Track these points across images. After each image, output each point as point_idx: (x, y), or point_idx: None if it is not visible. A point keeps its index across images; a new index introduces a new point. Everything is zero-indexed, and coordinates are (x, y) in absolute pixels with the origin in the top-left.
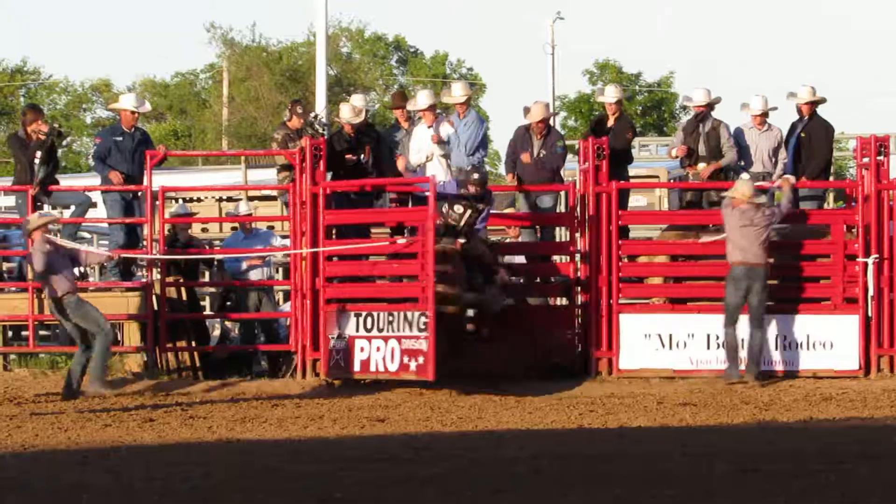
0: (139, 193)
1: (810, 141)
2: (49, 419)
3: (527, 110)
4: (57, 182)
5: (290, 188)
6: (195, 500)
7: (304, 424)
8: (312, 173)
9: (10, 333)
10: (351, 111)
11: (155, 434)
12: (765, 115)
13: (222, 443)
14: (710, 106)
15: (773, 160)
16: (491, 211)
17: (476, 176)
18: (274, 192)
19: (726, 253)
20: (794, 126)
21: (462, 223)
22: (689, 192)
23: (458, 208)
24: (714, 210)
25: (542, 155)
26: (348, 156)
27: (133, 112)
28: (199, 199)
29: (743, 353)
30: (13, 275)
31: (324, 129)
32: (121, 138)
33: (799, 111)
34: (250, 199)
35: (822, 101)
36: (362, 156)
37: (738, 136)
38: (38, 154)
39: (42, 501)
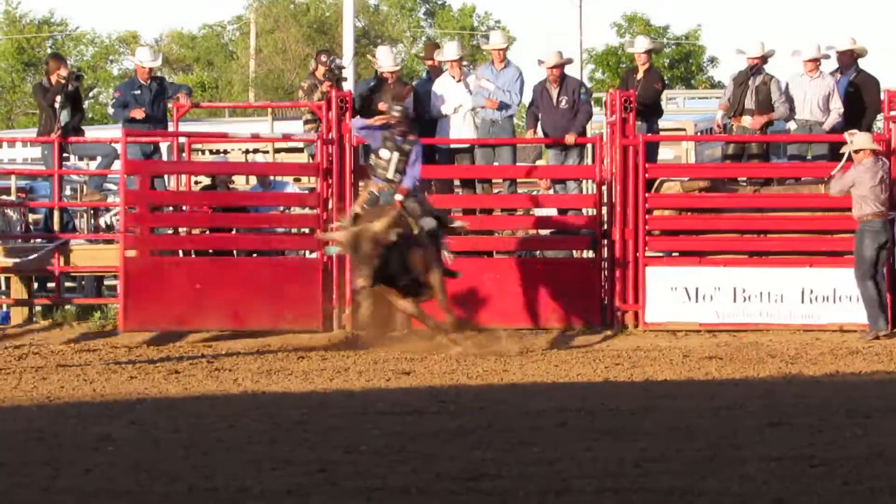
0: (159, 146)
1: (860, 94)
2: (75, 371)
3: (541, 62)
4: (82, 132)
5: (316, 139)
6: (220, 452)
7: (330, 377)
8: (338, 124)
9: (36, 285)
10: (392, 60)
11: (180, 386)
12: (817, 61)
13: (248, 395)
14: (764, 59)
15: (824, 109)
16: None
17: (397, 108)
18: (300, 144)
19: (855, 208)
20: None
21: (392, 170)
22: (731, 145)
23: (384, 153)
24: (752, 164)
25: (562, 104)
26: (382, 104)
27: (145, 66)
28: (225, 151)
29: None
30: (39, 227)
31: (339, 72)
32: (139, 91)
33: (840, 61)
34: (277, 150)
35: (864, 52)
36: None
37: (786, 87)
38: (58, 98)
39: (68, 452)
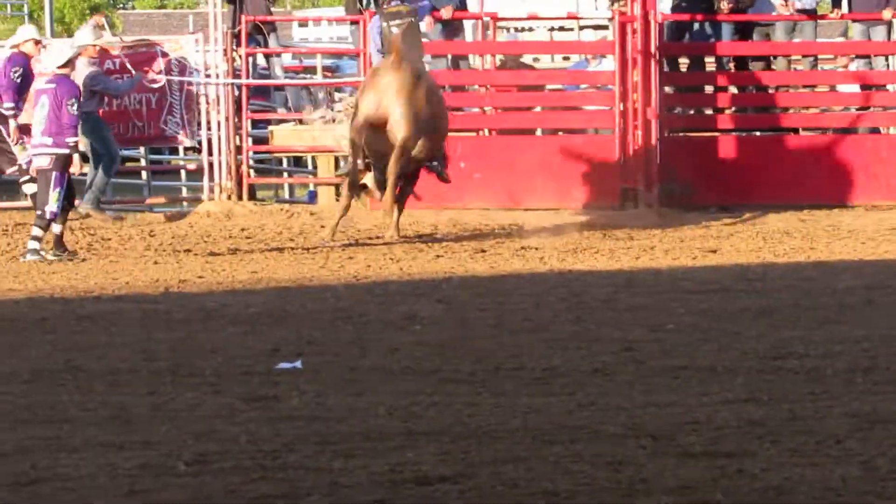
0: (462, 25)
1: None
2: (381, 250)
3: None
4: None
5: (615, 16)
6: (527, 330)
7: (636, 255)
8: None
9: (342, 163)
10: None
11: (486, 265)
12: None
13: (554, 273)
14: None
15: None
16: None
17: None
18: (605, 21)
19: None
20: None
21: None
22: None
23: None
24: None
25: None
26: None
27: None
28: (530, 29)
29: None
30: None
31: None
32: None
33: None
34: (581, 28)
35: None
36: None
37: None
38: None
39: (375, 331)
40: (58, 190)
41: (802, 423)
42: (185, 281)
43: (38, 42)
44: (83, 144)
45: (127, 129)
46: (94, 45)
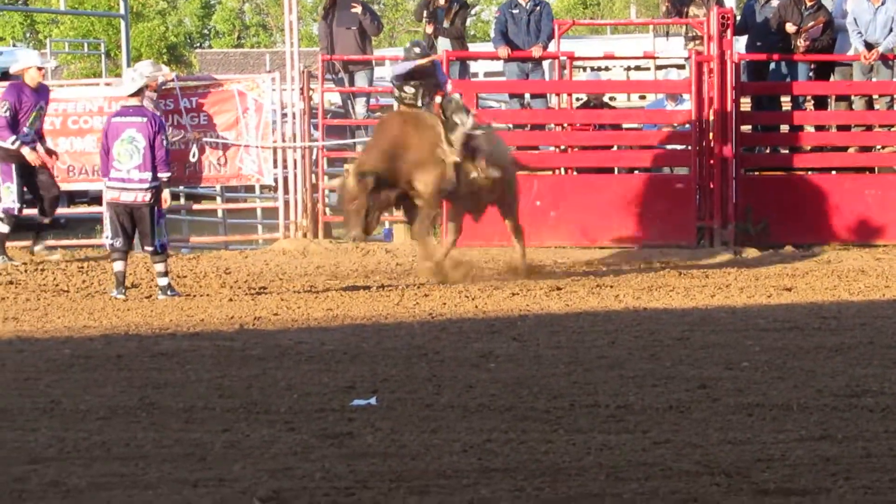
0: (541, 64)
1: None
2: (456, 288)
3: None
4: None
5: (691, 56)
6: (602, 367)
7: (711, 293)
8: (719, 41)
9: None
10: None
11: (562, 303)
12: None
13: (629, 311)
14: None
15: None
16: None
17: (416, 49)
18: (682, 61)
19: None
20: None
21: (419, 102)
22: None
23: (409, 89)
24: None
25: None
26: (791, 25)
27: None
28: (606, 69)
29: None
30: None
31: None
32: (516, 10)
33: None
34: (658, 67)
35: None
36: (811, 26)
37: None
38: (426, 12)
39: (450, 368)
40: (162, 222)
41: (877, 460)
42: (260, 318)
43: (41, 69)
44: None
45: (203, 168)
46: (156, 80)
